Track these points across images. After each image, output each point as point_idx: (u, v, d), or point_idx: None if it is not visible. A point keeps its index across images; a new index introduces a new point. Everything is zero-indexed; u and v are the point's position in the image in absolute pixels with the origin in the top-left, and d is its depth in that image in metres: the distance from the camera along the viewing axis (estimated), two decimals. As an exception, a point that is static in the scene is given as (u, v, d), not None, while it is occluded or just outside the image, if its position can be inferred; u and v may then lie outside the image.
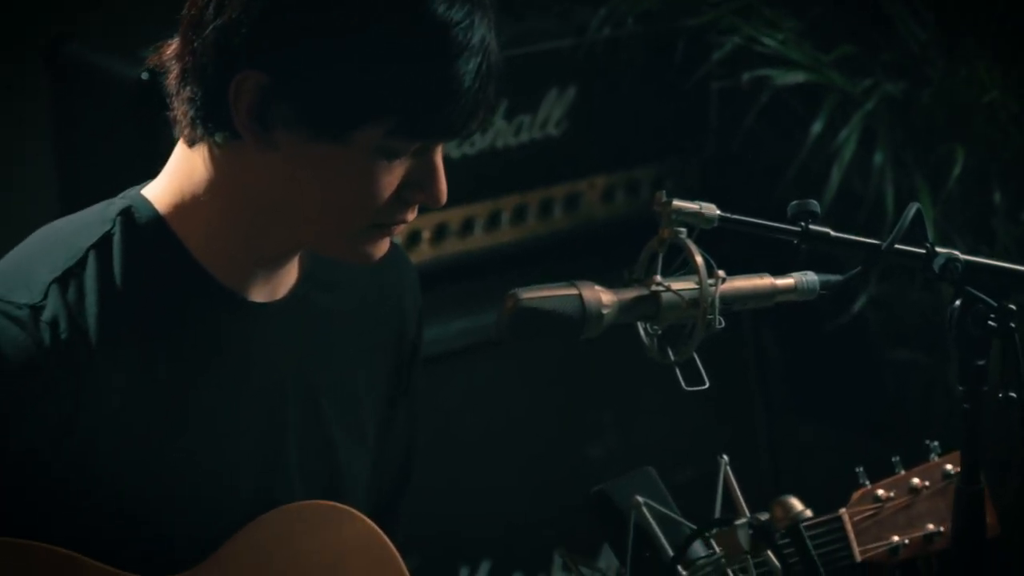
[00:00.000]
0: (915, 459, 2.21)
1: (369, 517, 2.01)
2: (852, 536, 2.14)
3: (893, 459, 2.19)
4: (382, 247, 1.89)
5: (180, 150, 1.90)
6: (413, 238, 3.39)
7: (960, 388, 1.83)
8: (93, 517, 1.86)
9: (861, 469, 2.17)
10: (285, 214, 1.86)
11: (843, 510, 2.15)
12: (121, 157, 3.09)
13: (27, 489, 1.83)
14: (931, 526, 2.17)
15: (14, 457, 1.81)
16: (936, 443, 2.19)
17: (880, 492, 2.17)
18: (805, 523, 2.10)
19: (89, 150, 3.23)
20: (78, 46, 3.24)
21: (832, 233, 1.86)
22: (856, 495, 2.16)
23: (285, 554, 1.93)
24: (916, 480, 2.18)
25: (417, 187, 1.85)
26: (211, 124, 1.83)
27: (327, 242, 1.88)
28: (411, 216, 1.87)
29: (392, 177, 1.83)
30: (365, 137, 1.79)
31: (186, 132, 1.86)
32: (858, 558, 2.14)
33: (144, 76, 3.04)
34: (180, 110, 1.85)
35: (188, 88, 1.83)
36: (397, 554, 1.98)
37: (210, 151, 1.86)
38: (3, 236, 1.96)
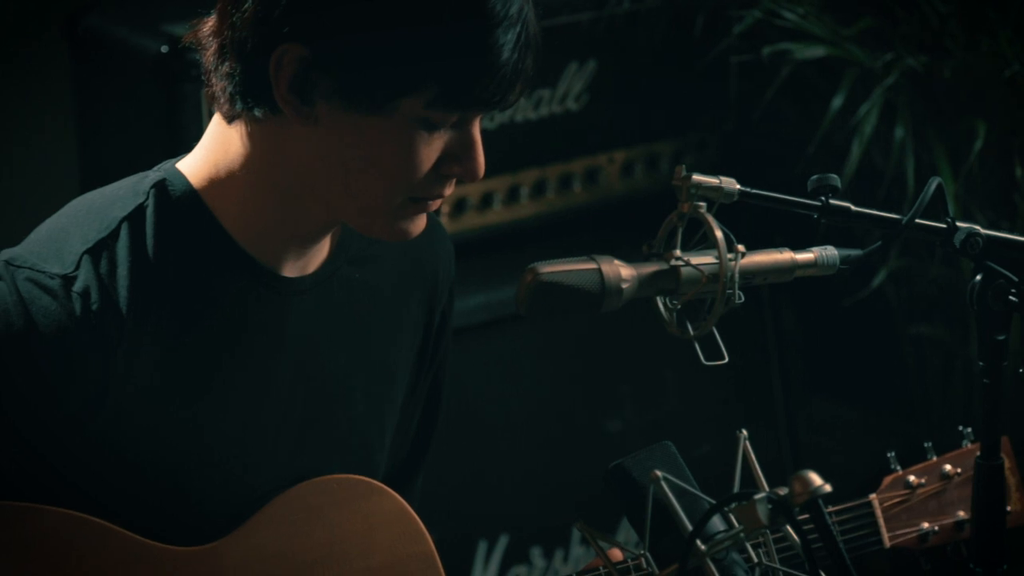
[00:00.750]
0: (936, 438, 2.20)
1: (385, 484, 2.03)
2: (882, 522, 2.13)
3: (925, 445, 2.18)
4: (419, 224, 1.89)
5: (216, 125, 1.90)
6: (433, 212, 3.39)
7: (980, 363, 1.82)
8: (124, 487, 1.87)
9: (892, 454, 2.16)
10: (322, 190, 1.86)
11: (873, 495, 2.14)
12: (142, 129, 3.10)
13: (58, 458, 1.84)
14: (962, 513, 2.16)
15: (46, 425, 1.83)
16: (969, 429, 2.18)
17: (911, 478, 2.16)
18: (835, 508, 2.11)
19: (109, 122, 3.23)
20: (98, 19, 3.24)
21: (852, 208, 1.85)
22: (887, 480, 2.15)
23: (314, 527, 1.94)
24: (948, 467, 2.17)
25: (455, 160, 1.85)
26: (250, 99, 1.83)
27: (365, 218, 1.88)
28: (448, 191, 1.87)
29: (431, 150, 1.83)
30: (405, 108, 1.79)
31: (224, 108, 1.86)
32: (887, 544, 2.14)
33: (164, 49, 3.04)
34: (218, 86, 1.85)
35: (227, 64, 1.83)
36: (424, 529, 1.98)
37: (248, 126, 1.86)
38: (25, 207, 1.96)
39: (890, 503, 2.14)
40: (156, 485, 1.88)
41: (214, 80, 1.85)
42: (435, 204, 1.89)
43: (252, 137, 1.87)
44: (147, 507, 1.88)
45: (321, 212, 1.89)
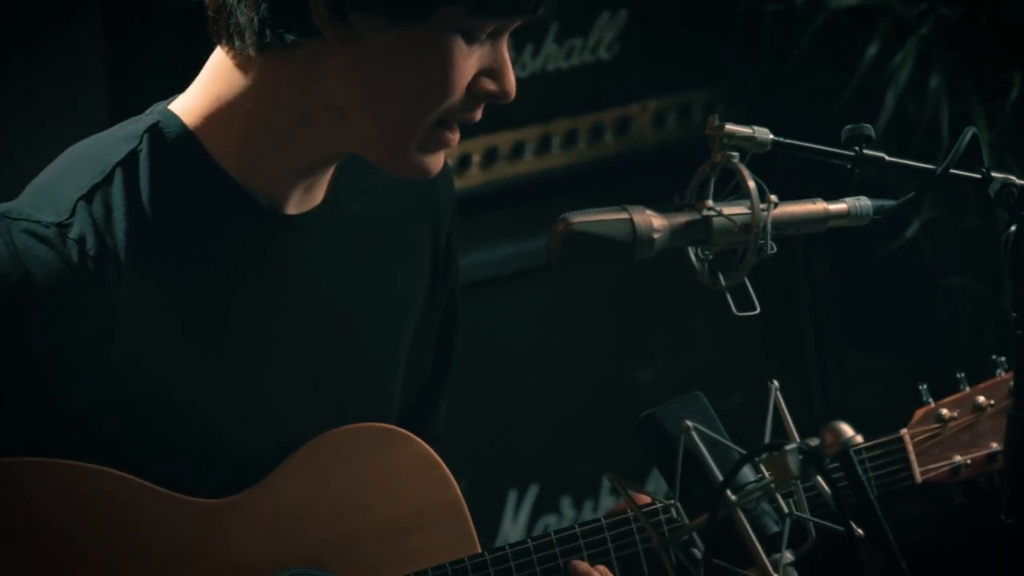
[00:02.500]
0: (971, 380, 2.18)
1: (402, 417, 2.02)
2: (913, 456, 2.12)
3: (958, 375, 2.16)
4: (439, 160, 1.89)
5: (220, 62, 1.88)
6: (463, 162, 3.38)
7: (1013, 314, 1.81)
8: (142, 439, 1.88)
9: (924, 387, 2.15)
10: (347, 119, 1.85)
11: (904, 430, 2.13)
12: (169, 76, 3.09)
13: (70, 411, 1.85)
14: (995, 444, 2.14)
15: (53, 378, 1.83)
16: (1003, 358, 2.16)
17: (944, 411, 2.14)
18: (866, 443, 2.10)
19: (138, 70, 3.23)
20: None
21: (886, 158, 1.84)
22: (919, 414, 2.14)
23: (341, 476, 1.94)
24: (981, 398, 2.15)
25: (489, 76, 1.84)
26: (282, 24, 1.81)
27: (388, 150, 1.87)
28: (477, 115, 1.87)
29: (467, 65, 1.83)
30: (444, 18, 1.79)
31: (250, 40, 1.84)
32: (919, 479, 2.13)
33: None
34: (246, 16, 1.83)
35: None
36: (451, 476, 1.99)
37: (267, 58, 1.85)
38: (53, 155, 1.96)
39: (921, 437, 2.13)
40: (174, 436, 1.88)
41: (240, 11, 1.83)
42: (456, 138, 1.88)
43: (270, 69, 1.85)
44: (168, 459, 1.88)
45: (336, 144, 1.88)
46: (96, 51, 3.29)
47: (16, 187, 1.90)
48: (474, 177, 3.40)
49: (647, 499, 1.98)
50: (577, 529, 2.01)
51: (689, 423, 1.67)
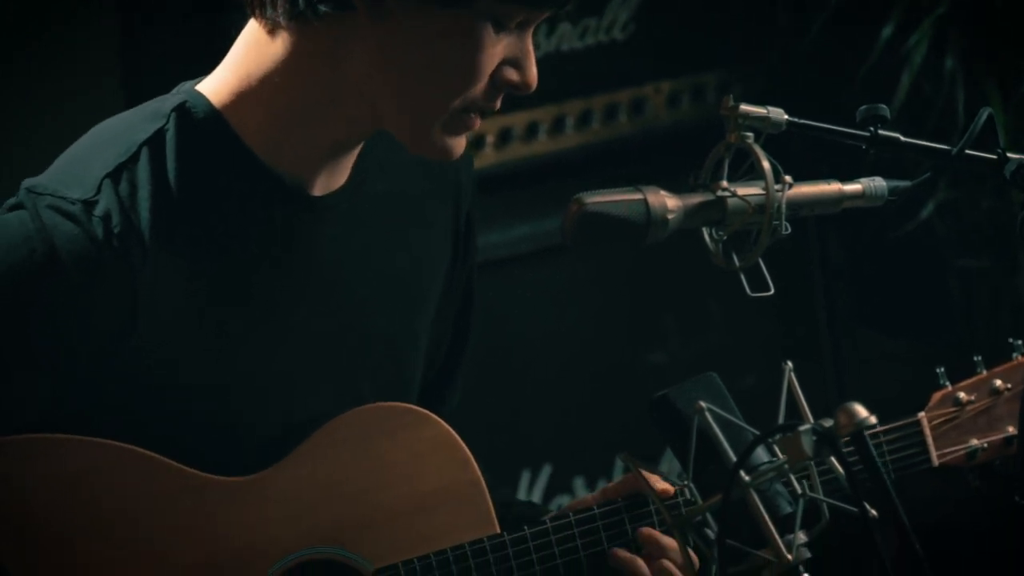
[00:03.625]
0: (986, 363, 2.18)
1: (421, 396, 2.03)
2: (930, 440, 2.12)
3: (975, 358, 2.16)
4: (462, 143, 1.90)
5: (249, 41, 1.89)
6: (477, 143, 3.38)
7: (1028, 296, 1.81)
8: (167, 418, 1.88)
9: (942, 370, 2.14)
10: (374, 97, 1.86)
11: (921, 414, 2.13)
12: (186, 54, 3.09)
13: (93, 388, 1.85)
14: (1011, 428, 2.14)
15: (76, 354, 1.83)
16: (1020, 341, 2.16)
17: (961, 395, 2.14)
18: (883, 427, 2.10)
19: (154, 48, 3.23)
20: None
21: (901, 138, 1.84)
22: (936, 397, 2.14)
23: (362, 455, 1.95)
24: (998, 382, 2.15)
25: (512, 66, 1.85)
26: None
27: (413, 131, 1.87)
28: (496, 104, 1.88)
29: (494, 53, 1.84)
30: (480, 3, 1.80)
31: (282, 7, 1.84)
32: (935, 462, 2.13)
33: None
34: None
35: None
36: (471, 458, 1.99)
37: (298, 33, 1.85)
38: (69, 132, 1.96)
39: (939, 421, 2.12)
40: (195, 414, 1.89)
41: None
42: (477, 123, 1.88)
43: (299, 44, 1.85)
44: (189, 437, 1.89)
45: (363, 124, 1.89)
46: (112, 36, 3.29)
47: (34, 171, 1.91)
48: (488, 157, 3.40)
49: (665, 484, 1.98)
50: (597, 511, 2.01)
51: (703, 404, 1.67)
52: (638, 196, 1.72)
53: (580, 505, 2.04)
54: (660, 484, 1.93)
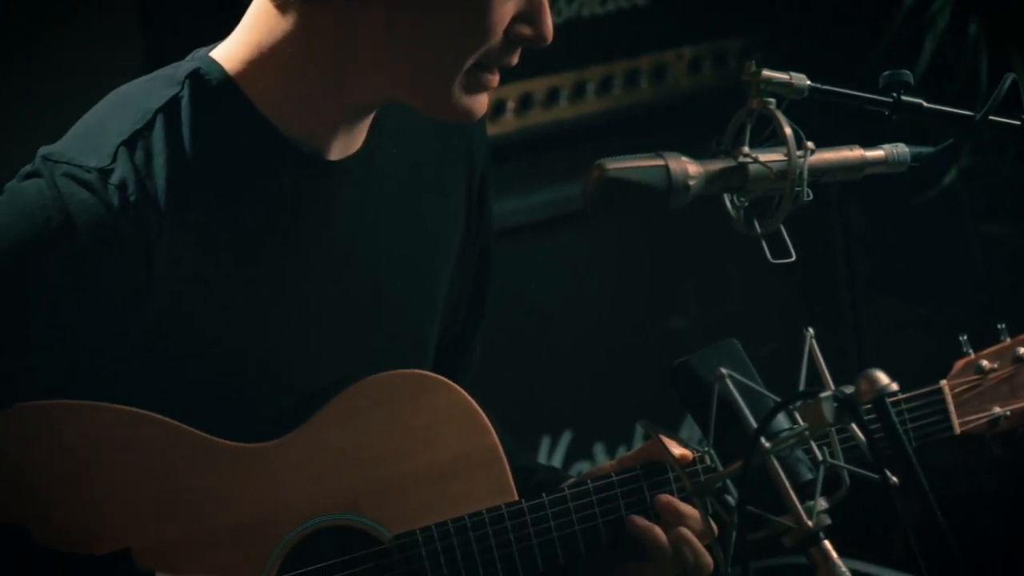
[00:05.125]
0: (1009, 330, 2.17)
1: (437, 360, 2.03)
2: (952, 408, 2.12)
3: (999, 326, 2.15)
4: (482, 103, 1.89)
5: (261, 8, 1.88)
6: (498, 109, 3.37)
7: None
8: (186, 384, 1.89)
9: (964, 338, 2.14)
10: (391, 61, 1.86)
11: (944, 381, 2.12)
12: (204, 25, 3.08)
13: (111, 355, 1.86)
14: None
15: (93, 322, 1.84)
16: None
17: (984, 362, 2.14)
18: (905, 395, 2.10)
19: (174, 18, 3.23)
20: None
21: (924, 104, 1.83)
22: (958, 365, 2.13)
23: (380, 422, 1.95)
24: (1022, 349, 2.15)
25: (526, 21, 1.85)
26: None
27: (431, 94, 1.87)
28: (514, 60, 1.88)
29: (506, 8, 1.84)
30: None
31: None
32: (957, 430, 2.13)
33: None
34: None
35: None
36: (489, 425, 1.99)
37: (307, 4, 1.84)
38: (92, 101, 1.96)
39: (961, 388, 2.12)
40: (213, 381, 1.90)
41: None
42: (495, 80, 1.88)
43: (310, 12, 1.84)
44: (207, 404, 1.89)
45: (376, 90, 1.88)
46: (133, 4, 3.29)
47: (52, 138, 1.91)
48: (509, 123, 3.40)
49: (684, 450, 1.98)
50: (615, 478, 2.01)
51: (724, 370, 1.67)
52: (659, 162, 1.72)
53: (598, 472, 2.04)
54: (679, 449, 1.93)
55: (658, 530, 1.99)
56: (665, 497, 1.99)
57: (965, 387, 2.13)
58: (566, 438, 3.53)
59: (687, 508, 1.99)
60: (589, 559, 2.00)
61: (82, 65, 3.21)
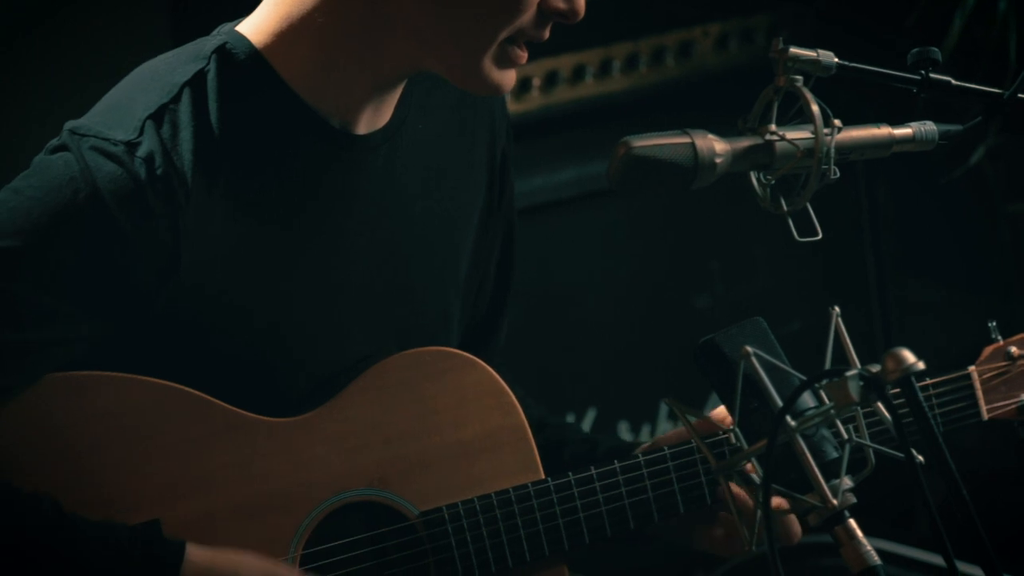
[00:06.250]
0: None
1: (464, 336, 2.02)
2: (980, 393, 2.12)
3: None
4: (511, 77, 1.89)
5: None
6: (523, 86, 3.37)
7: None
8: (214, 358, 1.90)
9: (993, 324, 2.14)
10: (417, 34, 1.86)
11: (972, 367, 2.13)
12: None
13: (138, 329, 1.86)
14: None
15: (120, 295, 1.84)
16: None
17: (1012, 349, 2.14)
18: (933, 380, 2.09)
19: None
20: None
21: (953, 82, 1.82)
22: (987, 351, 2.13)
23: (408, 399, 1.96)
24: None
25: None
26: None
27: (464, 67, 1.87)
28: (545, 34, 1.88)
29: None
30: None
31: None
32: (985, 416, 2.13)
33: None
34: None
35: None
36: (517, 402, 2.00)
37: None
38: (114, 76, 1.96)
39: (989, 375, 2.12)
40: (241, 354, 1.90)
41: None
42: (524, 56, 1.88)
43: None
44: (235, 377, 1.90)
45: (405, 63, 1.88)
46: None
47: (77, 113, 1.91)
48: (534, 100, 3.39)
49: (713, 423, 1.98)
50: (641, 458, 2.01)
51: (749, 348, 1.67)
52: (686, 139, 1.71)
53: (643, 449, 2.04)
54: (719, 414, 1.93)
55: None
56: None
57: (993, 373, 2.13)
58: (591, 416, 3.52)
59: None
60: (617, 538, 2.01)
61: (108, 41, 3.21)
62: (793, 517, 1.97)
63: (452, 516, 1.95)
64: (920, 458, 1.59)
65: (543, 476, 1.99)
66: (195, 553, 1.83)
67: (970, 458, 2.47)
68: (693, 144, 1.71)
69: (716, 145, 1.72)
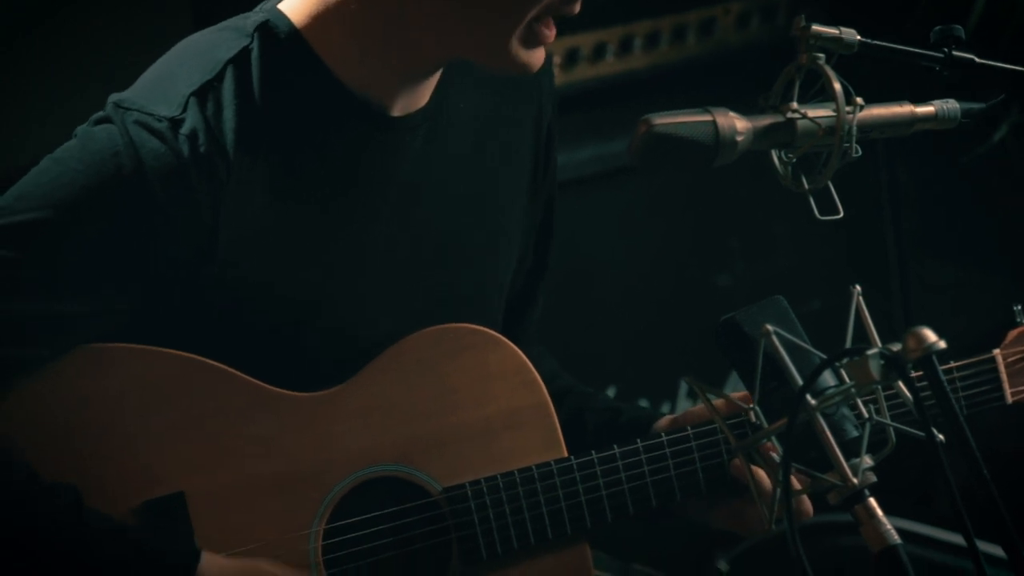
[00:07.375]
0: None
1: (507, 313, 2.04)
2: (1004, 377, 2.11)
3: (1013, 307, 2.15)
4: (541, 56, 1.89)
5: None
6: (544, 63, 3.36)
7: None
8: (238, 332, 1.90)
9: (1019, 307, 2.13)
10: (446, 19, 1.86)
11: (997, 350, 2.12)
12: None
13: (173, 302, 1.87)
14: None
15: (160, 268, 1.85)
16: None
17: None
18: (957, 363, 2.09)
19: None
20: None
21: (976, 59, 1.81)
22: (1012, 335, 2.13)
23: (430, 377, 1.96)
24: None
25: None
26: None
27: (492, 48, 1.87)
28: (576, 8, 1.88)
29: None
30: None
31: None
32: (1009, 400, 2.12)
33: None
34: None
35: None
36: (540, 380, 2.00)
37: None
38: (139, 53, 1.96)
39: (1014, 358, 2.12)
40: (272, 329, 1.91)
41: None
42: (552, 34, 1.88)
43: None
44: (264, 351, 1.91)
45: (440, 44, 1.89)
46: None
47: (80, 113, 1.91)
48: (555, 78, 3.38)
49: (734, 402, 1.98)
50: (664, 438, 2.01)
51: (770, 327, 1.66)
52: (707, 117, 1.71)
53: (666, 427, 2.04)
54: (737, 394, 1.93)
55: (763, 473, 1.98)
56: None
57: (1018, 357, 2.12)
58: (610, 393, 3.53)
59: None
60: (640, 515, 2.01)
61: (109, 41, 3.22)
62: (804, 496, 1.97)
63: (475, 493, 1.96)
64: (941, 437, 1.59)
65: (566, 454, 2.00)
66: (210, 561, 1.84)
67: (992, 437, 2.46)
68: (714, 122, 1.71)
69: (737, 123, 1.72)
